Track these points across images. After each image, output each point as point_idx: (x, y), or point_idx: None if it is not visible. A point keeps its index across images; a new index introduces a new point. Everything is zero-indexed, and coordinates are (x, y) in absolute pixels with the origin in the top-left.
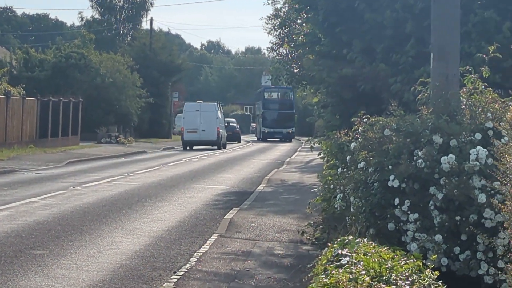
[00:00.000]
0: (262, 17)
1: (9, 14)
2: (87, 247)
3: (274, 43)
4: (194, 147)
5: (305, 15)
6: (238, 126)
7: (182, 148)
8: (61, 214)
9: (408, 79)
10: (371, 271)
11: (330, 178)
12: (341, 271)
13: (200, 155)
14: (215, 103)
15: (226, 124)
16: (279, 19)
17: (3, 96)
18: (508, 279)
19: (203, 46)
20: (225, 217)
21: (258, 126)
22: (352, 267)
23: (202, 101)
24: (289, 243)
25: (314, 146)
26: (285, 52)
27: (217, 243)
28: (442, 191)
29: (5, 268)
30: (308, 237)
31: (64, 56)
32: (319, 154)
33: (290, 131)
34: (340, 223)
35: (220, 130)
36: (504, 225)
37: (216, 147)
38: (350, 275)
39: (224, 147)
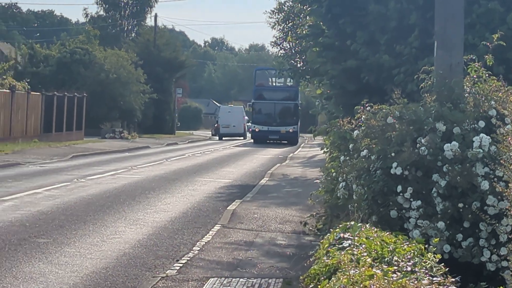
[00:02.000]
0: (265, 11)
1: (14, 10)
2: (90, 236)
3: (277, 37)
4: (224, 138)
5: (309, 8)
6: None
7: (217, 139)
8: (65, 205)
9: (412, 70)
10: (373, 252)
11: (332, 170)
12: (343, 253)
13: (203, 150)
14: (242, 107)
15: None
16: (282, 13)
17: (8, 91)
18: (511, 266)
19: (207, 43)
20: (227, 208)
21: None
22: (354, 249)
23: (232, 105)
24: (292, 233)
25: (316, 137)
26: (288, 47)
27: (219, 233)
28: (445, 178)
29: (9, 255)
30: (310, 228)
31: (69, 51)
32: (321, 149)
33: (291, 130)
34: (342, 212)
35: (245, 126)
36: (508, 210)
37: (242, 138)
38: (352, 256)
39: (246, 137)
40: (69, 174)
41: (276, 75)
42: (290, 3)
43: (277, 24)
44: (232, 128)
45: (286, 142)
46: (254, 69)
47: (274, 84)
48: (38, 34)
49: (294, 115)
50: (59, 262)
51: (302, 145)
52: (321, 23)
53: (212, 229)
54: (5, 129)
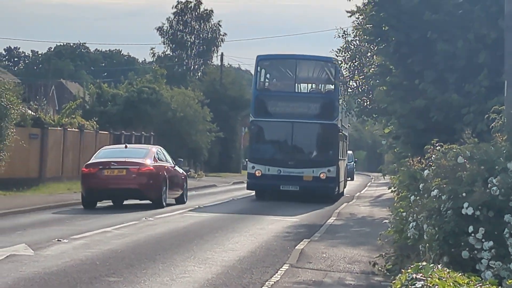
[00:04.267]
0: (332, 50)
1: (82, 50)
2: (160, 275)
3: (344, 76)
4: None
5: (376, 47)
6: None
7: None
8: (134, 243)
9: (481, 109)
10: None
11: (401, 210)
12: None
13: None
14: None
15: None
16: (349, 52)
17: (77, 130)
18: None
19: None
20: (296, 248)
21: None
22: None
23: None
24: (361, 274)
25: (385, 176)
26: (355, 85)
27: (288, 273)
28: None
29: None
30: (379, 268)
31: (136, 90)
32: (389, 188)
33: (323, 175)
34: (413, 252)
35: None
36: None
37: None
38: None
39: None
40: (137, 213)
41: (296, 68)
42: (357, 42)
43: (343, 63)
44: None
45: (313, 196)
46: (256, 58)
47: (296, 88)
48: (105, 74)
49: (330, 146)
50: None
51: (368, 184)
52: (389, 63)
53: (280, 269)
54: (74, 168)
